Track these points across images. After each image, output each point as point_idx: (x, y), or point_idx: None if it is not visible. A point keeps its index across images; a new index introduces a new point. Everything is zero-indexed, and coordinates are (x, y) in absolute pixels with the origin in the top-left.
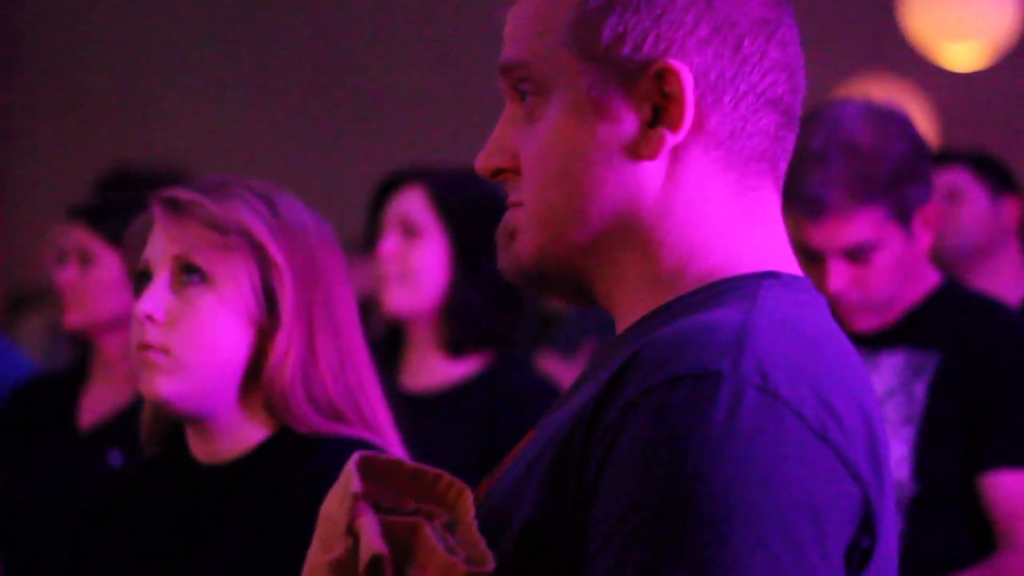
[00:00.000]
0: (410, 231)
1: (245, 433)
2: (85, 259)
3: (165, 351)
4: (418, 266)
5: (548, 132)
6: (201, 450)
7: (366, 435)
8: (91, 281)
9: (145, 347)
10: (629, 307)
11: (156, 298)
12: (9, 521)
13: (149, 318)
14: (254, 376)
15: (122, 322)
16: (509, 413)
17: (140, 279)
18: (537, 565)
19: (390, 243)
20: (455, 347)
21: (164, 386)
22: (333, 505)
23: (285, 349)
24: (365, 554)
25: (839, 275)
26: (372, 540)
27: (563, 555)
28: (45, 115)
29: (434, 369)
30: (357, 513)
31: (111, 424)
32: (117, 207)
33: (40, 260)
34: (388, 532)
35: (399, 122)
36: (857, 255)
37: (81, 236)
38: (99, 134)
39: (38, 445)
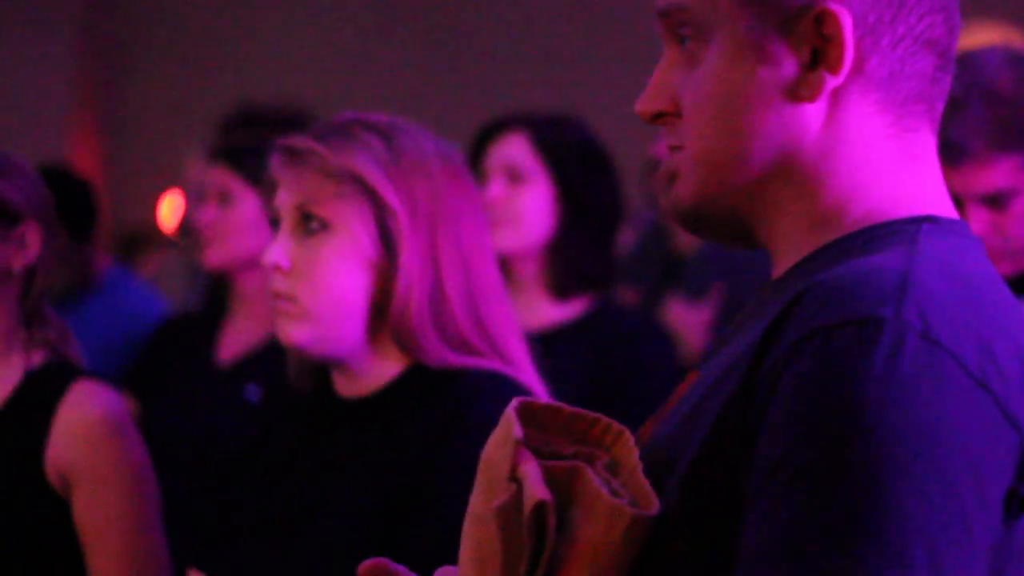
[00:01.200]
0: (515, 176)
1: (380, 369)
2: (224, 198)
3: (292, 299)
4: (524, 211)
5: (708, 76)
6: (343, 385)
7: (499, 366)
8: (230, 220)
9: (275, 295)
10: (787, 249)
11: (281, 248)
12: (152, 454)
13: (276, 268)
14: (381, 316)
15: (259, 261)
16: (618, 353)
17: (274, 225)
18: (703, 509)
19: (495, 189)
20: (561, 289)
21: (294, 333)
22: (494, 451)
23: (407, 289)
24: (529, 502)
25: (978, 221)
26: (535, 487)
27: (729, 499)
28: (158, 53)
29: (540, 311)
30: (519, 459)
31: (249, 360)
32: (256, 147)
33: (150, 197)
34: (550, 477)
35: (519, 62)
36: (996, 201)
37: (221, 176)
38: (210, 72)
39: (178, 382)
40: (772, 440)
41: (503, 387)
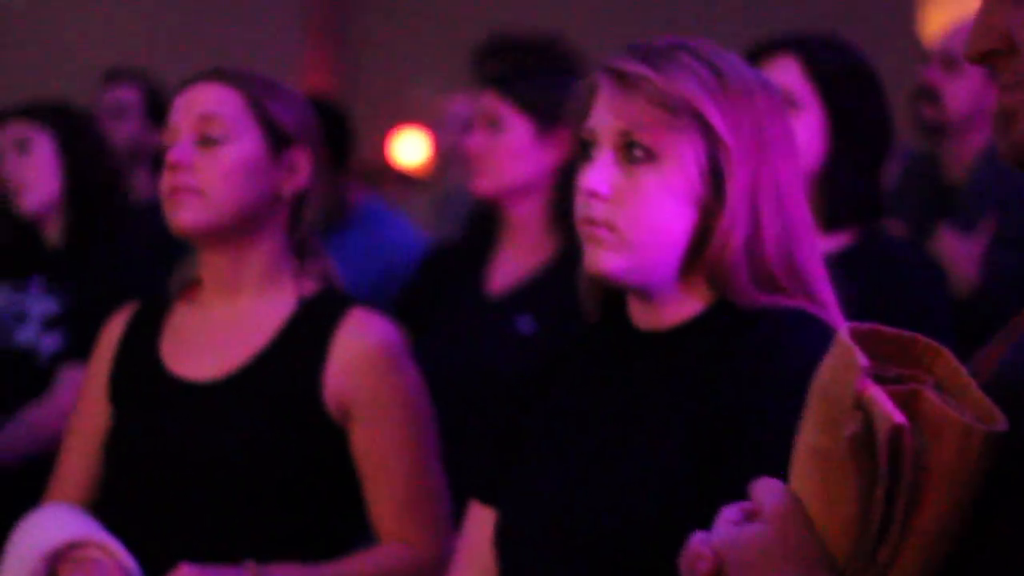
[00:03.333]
0: (786, 102)
1: (685, 303)
2: (494, 125)
3: (610, 227)
4: (795, 139)
5: None
6: (640, 317)
7: (805, 305)
8: (500, 147)
9: (590, 222)
10: None
11: (601, 174)
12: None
13: (594, 194)
14: (696, 252)
15: (530, 188)
16: (888, 284)
17: (583, 148)
18: None
19: None
20: (831, 220)
21: (608, 261)
22: (831, 382)
23: (729, 227)
24: (884, 426)
25: None
26: (889, 411)
27: None
28: None
29: None
30: (864, 385)
31: (520, 291)
32: (528, 73)
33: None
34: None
35: None
36: None
37: (491, 102)
38: (440, 6)
39: (447, 313)
40: None
41: (812, 326)
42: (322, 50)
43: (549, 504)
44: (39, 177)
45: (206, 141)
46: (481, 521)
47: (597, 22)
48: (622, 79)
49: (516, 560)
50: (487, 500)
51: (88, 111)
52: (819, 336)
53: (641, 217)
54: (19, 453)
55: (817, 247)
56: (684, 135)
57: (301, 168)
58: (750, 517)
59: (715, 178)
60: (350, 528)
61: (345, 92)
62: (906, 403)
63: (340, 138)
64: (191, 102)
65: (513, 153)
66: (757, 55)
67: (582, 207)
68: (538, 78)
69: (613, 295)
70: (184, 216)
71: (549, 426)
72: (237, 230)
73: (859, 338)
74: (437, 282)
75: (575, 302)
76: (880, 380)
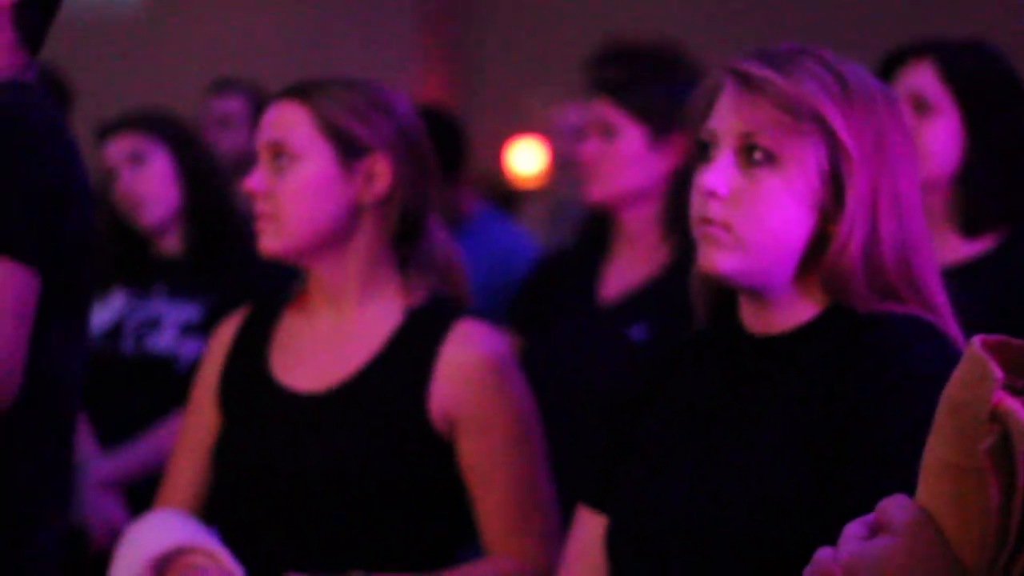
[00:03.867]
0: (921, 106)
1: (799, 307)
2: (607, 132)
3: (727, 228)
4: (929, 142)
5: None
6: (753, 321)
7: (920, 312)
8: (613, 154)
9: (706, 221)
10: None
11: (720, 174)
12: (532, 392)
13: (712, 194)
14: (812, 256)
15: (644, 196)
16: None
17: (702, 149)
18: None
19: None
20: (971, 224)
21: (723, 261)
22: (963, 394)
23: (848, 233)
24: (1022, 438)
25: None
26: None
27: None
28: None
29: (948, 246)
30: (999, 398)
31: (633, 298)
32: (642, 80)
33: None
34: None
35: None
36: None
37: (604, 109)
38: (557, 15)
39: (560, 320)
40: None
41: (928, 332)
42: (438, 61)
43: (662, 510)
44: (157, 190)
45: (277, 165)
46: (590, 526)
47: (713, 29)
48: (747, 81)
49: (629, 565)
50: (596, 505)
51: (192, 122)
52: (936, 343)
53: (758, 219)
54: (160, 463)
55: (934, 257)
56: (806, 139)
57: (381, 175)
58: (876, 531)
59: (835, 183)
60: (457, 540)
61: (461, 102)
62: None
63: (453, 147)
64: (266, 124)
65: (626, 160)
66: (894, 61)
67: (699, 206)
68: (651, 85)
69: (725, 299)
70: (265, 243)
71: (660, 432)
72: (322, 246)
73: (989, 349)
74: (550, 289)
75: (688, 309)
76: (1012, 392)
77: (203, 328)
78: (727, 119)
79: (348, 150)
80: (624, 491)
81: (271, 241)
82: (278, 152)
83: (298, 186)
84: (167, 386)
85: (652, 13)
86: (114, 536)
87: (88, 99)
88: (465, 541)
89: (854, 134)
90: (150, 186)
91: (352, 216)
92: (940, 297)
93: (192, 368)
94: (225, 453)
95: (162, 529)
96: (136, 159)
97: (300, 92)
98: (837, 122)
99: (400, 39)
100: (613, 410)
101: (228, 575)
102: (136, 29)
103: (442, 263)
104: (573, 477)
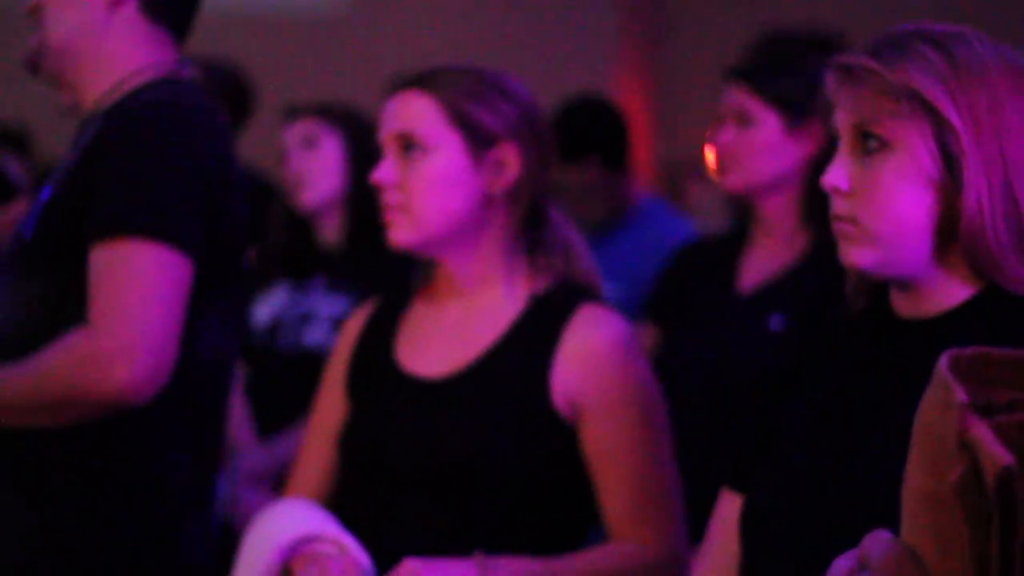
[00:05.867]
0: None
1: (950, 290)
2: (743, 120)
3: (853, 221)
4: None
5: None
6: (903, 305)
7: None
8: (749, 142)
9: (836, 218)
10: None
11: (840, 169)
12: (669, 381)
13: (835, 190)
14: (950, 236)
15: (781, 184)
16: None
17: (832, 147)
18: None
19: None
20: None
21: (858, 256)
22: (933, 419)
23: (977, 206)
24: (990, 468)
25: None
26: (995, 450)
27: None
28: None
29: None
30: (968, 423)
31: (772, 287)
32: (777, 67)
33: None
34: (1003, 437)
35: None
36: None
37: (740, 97)
38: (757, 5)
39: (698, 310)
40: None
41: None
42: (638, 47)
43: (798, 490)
44: (323, 173)
45: (407, 156)
46: (732, 507)
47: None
48: (848, 73)
49: (761, 544)
50: (738, 487)
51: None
52: None
53: (880, 207)
54: None
55: None
56: (912, 121)
57: (510, 164)
58: (863, 567)
59: (948, 160)
60: (581, 524)
61: (662, 88)
62: (1020, 434)
63: (616, 138)
64: (392, 115)
65: (763, 148)
66: None
67: (831, 204)
68: (786, 72)
69: (877, 286)
70: (397, 235)
71: (804, 414)
72: (453, 238)
73: (966, 364)
74: (689, 280)
75: (827, 298)
76: (989, 410)
77: None
78: (840, 114)
79: (477, 140)
80: (764, 473)
81: (404, 233)
82: (407, 143)
83: (431, 177)
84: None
85: (858, 12)
86: None
87: (286, 95)
88: (593, 524)
89: (962, 109)
90: (316, 169)
91: (483, 207)
92: None
93: None
94: (350, 440)
95: (290, 517)
96: (308, 142)
97: (426, 82)
98: (939, 100)
99: (599, 26)
100: (757, 392)
101: (355, 564)
102: (340, 30)
103: (564, 247)
104: (709, 465)
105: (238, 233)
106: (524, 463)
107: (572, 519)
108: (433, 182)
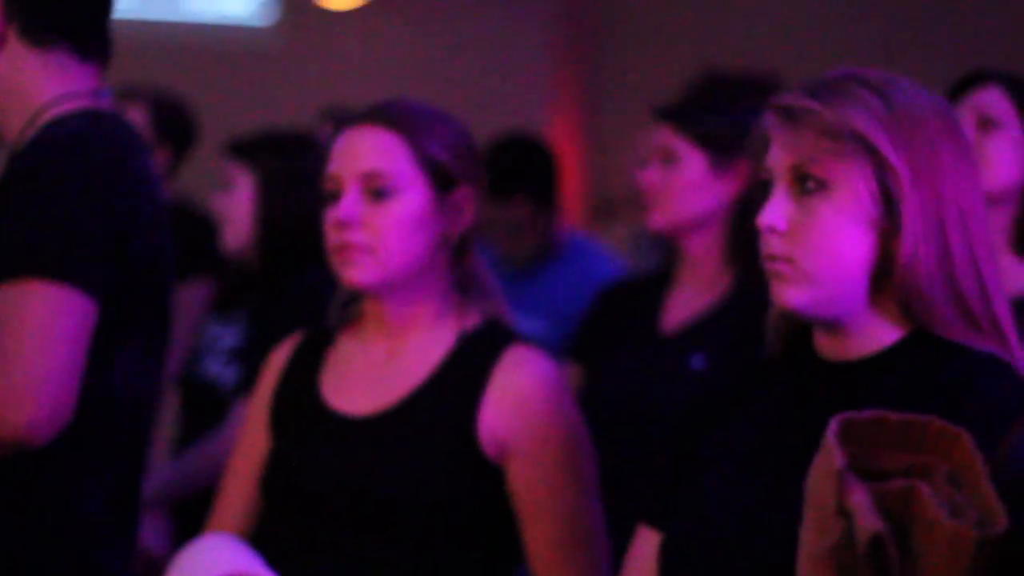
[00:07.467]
0: (985, 123)
1: (878, 333)
2: (669, 159)
3: (790, 261)
4: (995, 156)
5: None
6: (828, 347)
7: (997, 350)
8: (674, 181)
9: (771, 258)
10: None
11: (777, 209)
12: (592, 420)
13: (771, 230)
14: (885, 278)
15: (705, 223)
16: None
17: (764, 187)
18: None
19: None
20: None
21: (792, 296)
22: (819, 483)
23: (912, 250)
24: (863, 535)
25: None
26: (868, 518)
27: None
28: (636, 22)
29: (1006, 273)
30: (846, 489)
31: (695, 327)
32: (703, 107)
33: (628, 164)
34: (883, 503)
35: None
36: None
37: (666, 135)
38: (686, 38)
39: (622, 348)
40: None
41: (1007, 376)
42: (570, 83)
43: (719, 533)
44: (237, 215)
45: (373, 195)
46: (648, 544)
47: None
48: (789, 114)
49: None
50: (655, 523)
51: (311, 142)
52: (1012, 386)
53: (818, 247)
54: (194, 485)
55: (998, 276)
56: (853, 162)
57: (466, 208)
58: None
59: (888, 202)
60: (506, 564)
61: (593, 125)
62: (904, 501)
63: (545, 176)
64: (354, 151)
65: (687, 187)
66: (962, 84)
67: (764, 244)
68: (712, 111)
69: (799, 327)
70: (356, 274)
71: (724, 456)
72: (407, 280)
73: (861, 428)
74: (614, 317)
75: (750, 338)
76: (880, 474)
77: (243, 354)
78: (777, 154)
79: (441, 182)
80: (682, 511)
81: (366, 274)
82: (375, 182)
83: (400, 219)
84: (210, 411)
85: (789, 42)
86: (148, 560)
87: (224, 126)
88: (518, 564)
89: (901, 152)
90: (232, 208)
91: (437, 249)
92: (1008, 325)
93: (233, 393)
94: (272, 476)
95: (214, 554)
96: (226, 183)
97: (390, 119)
98: (880, 141)
99: (531, 63)
100: (676, 431)
101: None
102: (274, 59)
103: (486, 285)
104: (633, 504)
105: (157, 268)
106: (449, 503)
107: (497, 559)
108: (402, 223)
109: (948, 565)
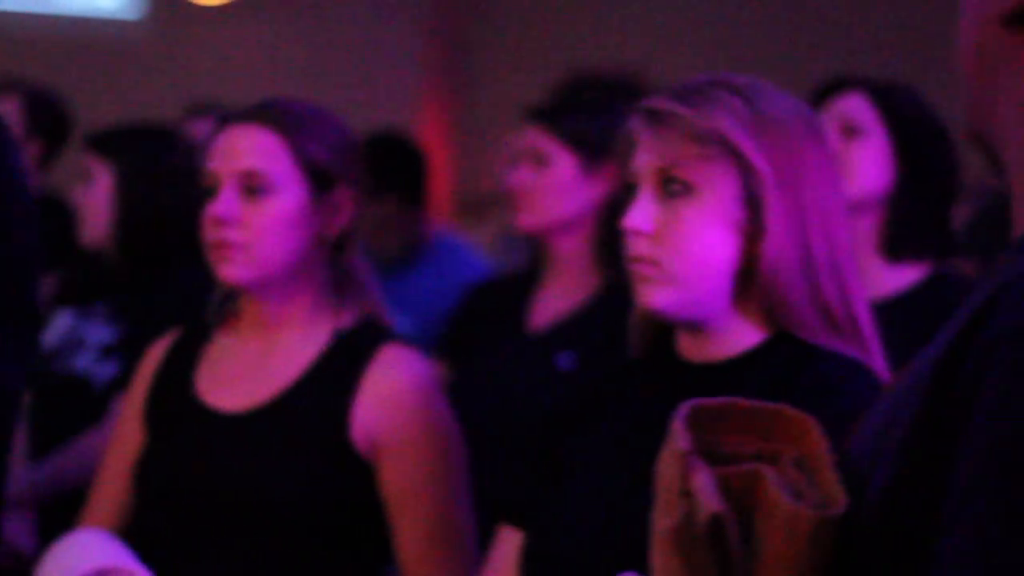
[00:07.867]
0: (849, 130)
1: (740, 335)
2: (539, 159)
3: (655, 263)
4: (859, 163)
5: None
6: (690, 349)
7: (857, 353)
8: (544, 182)
9: (636, 260)
10: None
11: (642, 211)
12: (458, 419)
13: (637, 232)
14: (748, 280)
15: (574, 224)
16: None
17: (629, 190)
18: (899, 529)
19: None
20: (896, 247)
21: (656, 297)
22: (667, 465)
23: (776, 253)
24: (703, 515)
25: None
26: (708, 499)
27: (926, 523)
28: (501, 23)
29: (873, 276)
30: (690, 471)
31: (562, 326)
32: (574, 108)
33: (496, 164)
34: (727, 485)
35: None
36: None
37: (536, 136)
38: (554, 41)
39: (489, 348)
40: (965, 468)
41: (866, 379)
42: (439, 82)
43: (577, 530)
44: (96, 210)
45: (250, 193)
46: (509, 544)
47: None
48: (655, 117)
49: None
50: (517, 524)
51: (174, 138)
52: (868, 389)
53: (683, 249)
54: (69, 482)
55: (858, 280)
56: (718, 165)
57: (344, 207)
58: None
59: (753, 205)
60: (377, 563)
61: (462, 123)
62: (749, 484)
63: (414, 175)
64: (233, 149)
65: (557, 189)
66: (827, 90)
67: (628, 246)
68: (582, 113)
69: (661, 329)
70: (231, 272)
71: (587, 457)
72: (283, 278)
73: (709, 413)
74: (480, 318)
75: (617, 338)
76: (730, 458)
77: (119, 350)
78: (643, 157)
79: (319, 182)
80: (544, 512)
81: (239, 271)
82: (252, 180)
83: (276, 218)
84: (82, 407)
85: (661, 43)
86: (16, 558)
87: (89, 117)
88: (388, 564)
89: (765, 155)
90: (90, 204)
91: (315, 248)
92: (868, 327)
93: (107, 390)
94: (144, 471)
95: (85, 549)
96: (85, 176)
97: (270, 118)
98: (745, 145)
99: (401, 62)
100: (541, 431)
101: None
102: (141, 51)
103: (362, 282)
104: (497, 502)
105: (23, 262)
106: (320, 500)
107: (367, 558)
108: (278, 223)
109: (787, 545)
